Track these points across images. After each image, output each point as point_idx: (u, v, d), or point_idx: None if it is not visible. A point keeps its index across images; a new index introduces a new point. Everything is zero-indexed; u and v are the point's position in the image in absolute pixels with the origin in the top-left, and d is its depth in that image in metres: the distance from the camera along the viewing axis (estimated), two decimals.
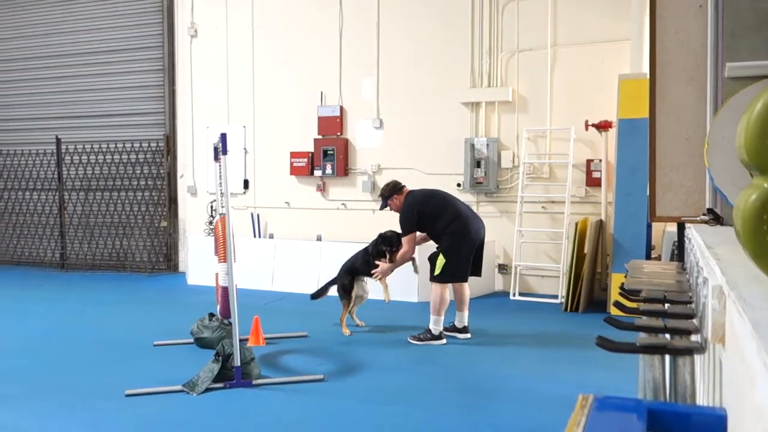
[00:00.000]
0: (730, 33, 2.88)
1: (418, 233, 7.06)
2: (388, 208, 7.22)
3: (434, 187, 7.96)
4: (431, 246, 7.18)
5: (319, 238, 10.87)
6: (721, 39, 2.92)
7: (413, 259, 7.30)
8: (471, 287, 7.21)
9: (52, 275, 12.33)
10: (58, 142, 12.75)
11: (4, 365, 6.16)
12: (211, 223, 11.26)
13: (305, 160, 11.11)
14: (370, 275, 7.22)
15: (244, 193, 11.69)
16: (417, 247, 7.23)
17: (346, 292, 7.33)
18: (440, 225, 6.85)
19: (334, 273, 9.72)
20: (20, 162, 13.47)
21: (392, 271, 7.11)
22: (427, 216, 6.89)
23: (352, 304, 7.37)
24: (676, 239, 4.13)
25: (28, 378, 5.76)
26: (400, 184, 7.21)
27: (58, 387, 5.46)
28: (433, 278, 6.85)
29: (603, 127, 9.02)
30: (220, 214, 6.15)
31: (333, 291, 7.61)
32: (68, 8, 12.90)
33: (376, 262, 7.09)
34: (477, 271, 7.14)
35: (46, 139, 13.02)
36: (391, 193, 7.11)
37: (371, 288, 7.61)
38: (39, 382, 5.64)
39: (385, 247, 7.13)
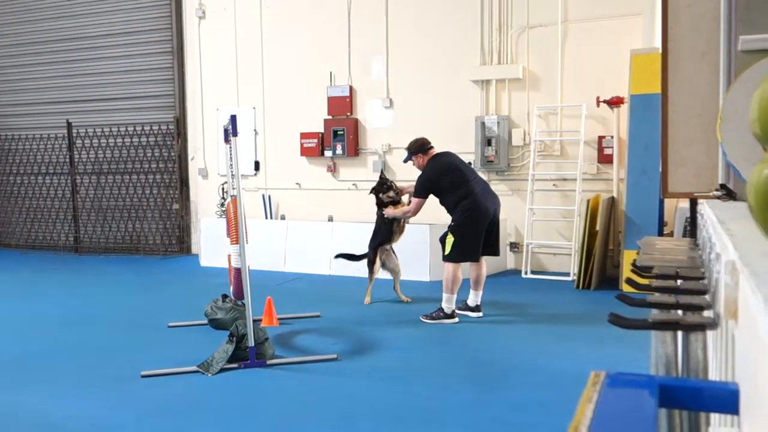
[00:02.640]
0: (743, 6, 2.84)
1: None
2: (411, 162, 7.29)
3: None
4: (442, 227, 7.22)
5: (330, 219, 10.89)
6: (735, 12, 2.88)
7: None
8: None
9: (66, 259, 12.44)
10: (69, 126, 12.80)
11: (21, 348, 6.25)
12: (222, 205, 11.30)
13: (315, 140, 11.09)
14: (390, 241, 7.65)
15: (255, 174, 11.71)
16: (428, 227, 7.72)
17: (369, 264, 7.74)
18: (451, 199, 6.89)
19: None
20: (32, 147, 13.54)
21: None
22: (442, 187, 6.96)
23: (375, 276, 7.74)
24: (688, 215, 4.11)
25: (45, 360, 5.84)
26: (428, 144, 7.22)
27: (74, 369, 5.54)
28: (444, 258, 6.89)
29: (615, 103, 8.94)
30: (231, 196, 6.17)
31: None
32: None
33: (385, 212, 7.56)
34: (494, 251, 7.16)
35: (57, 123, 13.07)
36: (417, 150, 7.17)
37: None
38: (56, 364, 5.71)
39: (383, 194, 7.62)
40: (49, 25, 13.17)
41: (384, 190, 7.65)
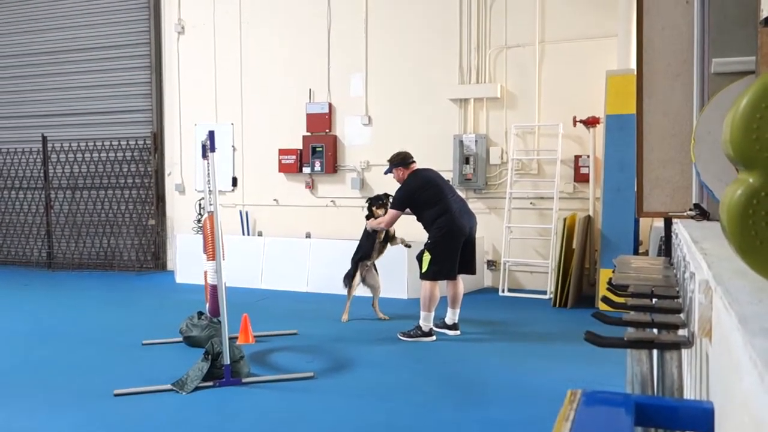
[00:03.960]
0: (716, 29, 2.90)
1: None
2: (392, 174, 7.29)
3: None
4: (419, 245, 7.21)
5: (308, 236, 10.85)
6: (707, 35, 2.94)
7: (403, 240, 7.69)
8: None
9: (39, 275, 12.25)
10: (44, 140, 12.65)
11: None
12: (199, 221, 11.22)
13: (294, 157, 11.08)
14: (370, 257, 7.65)
15: (233, 190, 11.65)
16: (405, 248, 7.83)
17: (347, 278, 7.79)
18: (428, 215, 6.91)
19: (323, 270, 9.79)
20: (6, 161, 13.36)
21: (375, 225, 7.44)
22: (420, 202, 6.98)
23: (353, 292, 7.76)
24: (663, 234, 4.15)
25: (17, 377, 5.72)
26: (410, 158, 7.23)
27: (46, 387, 5.43)
28: (422, 276, 6.90)
29: (591, 123, 9.06)
30: (208, 212, 6.13)
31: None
32: (54, 5, 12.79)
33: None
34: (470, 269, 7.16)
35: (31, 137, 12.92)
36: (398, 163, 7.19)
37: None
38: (28, 381, 5.60)
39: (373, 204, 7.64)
40: (25, 38, 13.05)
41: (378, 205, 7.64)
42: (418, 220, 7.11)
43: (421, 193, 6.97)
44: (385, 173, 7.46)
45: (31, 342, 7.02)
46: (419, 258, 6.97)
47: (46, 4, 12.85)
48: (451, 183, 9.94)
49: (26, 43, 13.04)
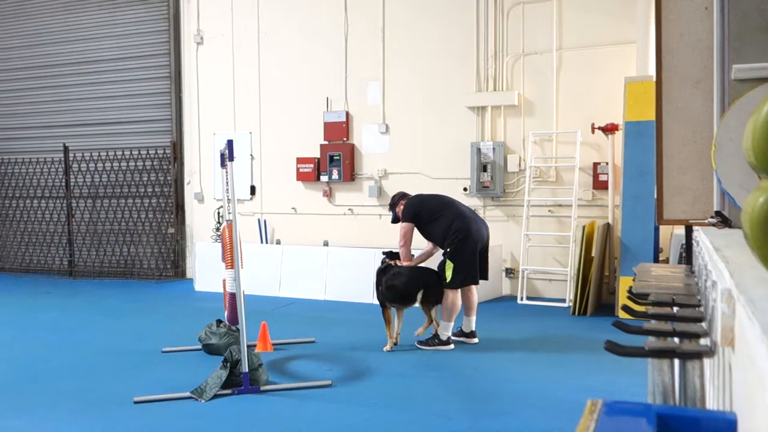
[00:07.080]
0: (736, 35, 2.87)
1: (427, 245, 7.15)
2: (399, 217, 7.19)
3: (440, 191, 8.12)
4: (437, 257, 7.14)
5: (325, 244, 10.87)
6: (727, 41, 2.91)
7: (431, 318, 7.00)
8: (478, 291, 7.21)
9: (60, 282, 12.37)
10: (66, 150, 12.81)
11: (13, 373, 6.19)
12: (218, 229, 11.28)
13: (311, 165, 11.12)
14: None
15: (251, 199, 11.71)
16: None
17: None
18: (442, 224, 6.86)
19: (341, 278, 9.80)
20: (28, 170, 13.53)
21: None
22: (427, 213, 6.94)
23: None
24: (684, 242, 4.11)
25: (38, 385, 5.77)
26: (405, 192, 7.32)
27: (67, 394, 5.48)
28: (447, 285, 6.81)
29: (609, 130, 9.00)
30: (227, 221, 6.16)
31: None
32: (75, 17, 12.97)
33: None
34: (484, 274, 7.13)
35: (53, 147, 13.09)
36: (398, 199, 7.21)
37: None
38: (48, 389, 5.65)
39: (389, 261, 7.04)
40: (47, 50, 13.23)
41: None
42: (432, 237, 7.01)
43: (424, 203, 7.00)
44: (393, 222, 7.28)
45: (52, 349, 7.09)
46: (441, 268, 6.90)
47: (68, 16, 13.03)
48: (468, 191, 9.98)
49: (48, 55, 13.23)
